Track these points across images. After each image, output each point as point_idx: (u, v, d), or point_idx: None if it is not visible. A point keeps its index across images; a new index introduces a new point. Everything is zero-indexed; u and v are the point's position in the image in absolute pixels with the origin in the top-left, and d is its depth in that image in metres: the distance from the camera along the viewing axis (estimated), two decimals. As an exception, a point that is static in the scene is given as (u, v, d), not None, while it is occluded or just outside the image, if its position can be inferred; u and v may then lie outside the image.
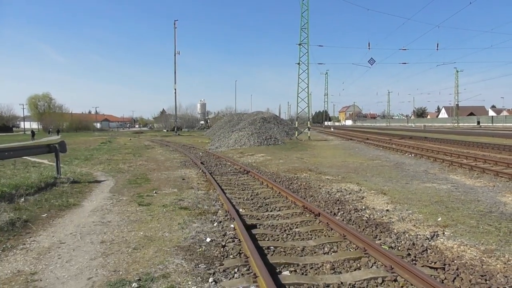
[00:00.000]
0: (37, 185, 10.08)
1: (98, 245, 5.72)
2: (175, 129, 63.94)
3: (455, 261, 4.94)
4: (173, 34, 60.11)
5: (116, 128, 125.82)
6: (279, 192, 9.68)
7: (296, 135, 36.77)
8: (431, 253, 5.31)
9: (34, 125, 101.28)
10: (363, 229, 6.59)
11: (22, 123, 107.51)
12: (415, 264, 4.94)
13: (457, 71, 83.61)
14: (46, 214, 7.60)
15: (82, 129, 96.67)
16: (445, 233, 6.13)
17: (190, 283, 4.35)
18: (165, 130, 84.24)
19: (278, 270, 4.80)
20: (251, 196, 9.55)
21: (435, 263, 4.90)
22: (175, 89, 60.43)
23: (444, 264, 4.84)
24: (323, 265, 4.99)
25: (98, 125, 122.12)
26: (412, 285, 4.24)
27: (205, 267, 4.85)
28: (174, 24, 60.15)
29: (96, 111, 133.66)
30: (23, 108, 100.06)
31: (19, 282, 4.40)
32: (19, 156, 12.94)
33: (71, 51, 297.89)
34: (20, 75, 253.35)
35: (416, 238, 5.98)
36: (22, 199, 8.53)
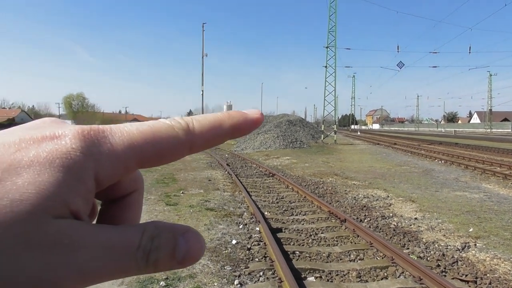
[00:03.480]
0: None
1: (127, 243, 5.87)
2: (202, 130, 64.48)
3: (488, 275, 4.79)
4: (200, 37, 60.92)
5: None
6: (305, 196, 9.64)
7: (322, 138, 36.48)
8: (462, 265, 5.17)
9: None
10: (391, 237, 6.48)
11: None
12: (445, 275, 4.82)
13: (491, 75, 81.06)
14: (77, 211, 7.85)
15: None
16: (477, 244, 5.94)
17: (216, 284, 4.41)
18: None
19: (303, 276, 4.79)
20: (276, 199, 9.55)
21: (466, 275, 4.76)
22: (202, 91, 61.13)
23: (476, 277, 4.70)
24: (349, 272, 4.94)
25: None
26: (441, 297, 4.14)
27: (230, 269, 4.90)
28: (203, 27, 60.76)
29: (126, 110, 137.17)
30: (59, 107, 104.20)
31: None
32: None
33: (103, 53, 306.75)
34: (56, 75, 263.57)
35: (446, 248, 5.83)
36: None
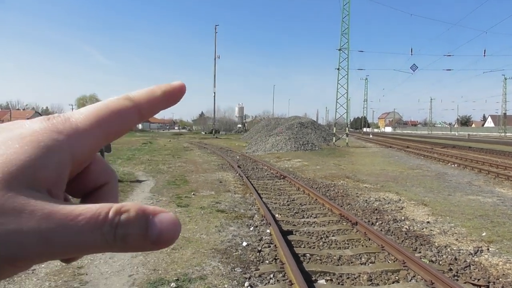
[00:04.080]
0: (83, 183, 10.55)
1: (139, 243, 5.93)
2: (213, 132, 65.01)
3: (501, 279, 4.74)
4: (213, 38, 61.31)
5: (157, 129, 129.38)
6: (316, 199, 9.62)
7: (334, 141, 36.34)
8: (474, 269, 5.12)
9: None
10: (402, 241, 6.44)
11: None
12: (457, 280, 4.77)
13: (505, 79, 79.95)
14: (91, 211, 7.96)
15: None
16: (490, 249, 5.87)
17: (226, 286, 4.44)
18: (203, 133, 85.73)
19: (314, 278, 4.79)
20: (287, 201, 9.56)
21: (478, 280, 4.71)
22: (214, 93, 61.53)
23: (489, 282, 4.65)
24: (360, 275, 4.93)
25: (140, 126, 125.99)
26: (453, 301, 4.11)
27: (241, 271, 4.92)
28: (215, 29, 61.36)
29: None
30: (72, 108, 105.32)
31: (67, 274, 4.67)
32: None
33: (115, 54, 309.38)
34: (71, 77, 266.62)
35: (459, 253, 5.77)
36: (69, 197, 8.97)
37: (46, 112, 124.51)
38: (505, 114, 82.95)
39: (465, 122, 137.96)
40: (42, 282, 4.44)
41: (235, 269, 5.00)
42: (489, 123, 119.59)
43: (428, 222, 7.54)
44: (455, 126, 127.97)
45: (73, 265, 4.97)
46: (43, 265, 4.95)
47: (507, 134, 78.14)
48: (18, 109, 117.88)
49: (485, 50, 37.57)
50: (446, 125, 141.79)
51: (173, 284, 4.38)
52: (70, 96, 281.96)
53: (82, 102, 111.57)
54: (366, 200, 9.73)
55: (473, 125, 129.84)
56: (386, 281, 4.79)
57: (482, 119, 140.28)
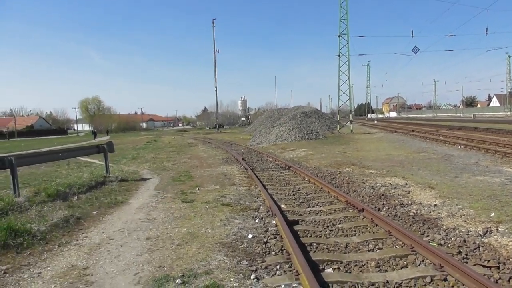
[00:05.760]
0: (88, 184, 10.59)
1: (144, 241, 5.92)
2: (217, 126, 64.99)
3: (511, 260, 4.65)
4: (211, 32, 60.99)
5: (161, 127, 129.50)
6: (321, 187, 9.55)
7: (338, 128, 36.15)
8: (484, 250, 5.02)
9: (86, 127, 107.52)
10: (410, 225, 6.35)
11: (75, 125, 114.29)
12: (467, 262, 4.69)
13: (509, 56, 78.58)
14: (96, 212, 7.97)
15: (129, 129, 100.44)
16: (499, 229, 5.77)
17: (232, 279, 4.39)
18: (207, 128, 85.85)
19: (321, 267, 4.73)
20: (292, 191, 9.50)
21: (488, 261, 4.63)
22: (216, 87, 61.34)
23: (499, 263, 4.56)
24: (367, 262, 4.86)
25: (144, 125, 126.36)
26: (463, 284, 4.03)
27: (247, 264, 4.87)
28: (213, 22, 61.08)
29: (141, 111, 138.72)
30: (75, 112, 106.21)
31: (73, 276, 4.65)
32: (72, 157, 13.64)
33: (115, 55, 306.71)
34: (72, 80, 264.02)
35: (467, 234, 5.68)
36: (75, 197, 9.00)
37: (50, 117, 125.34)
38: (510, 92, 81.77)
39: (470, 102, 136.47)
40: (47, 284, 4.42)
41: (241, 262, 4.95)
42: (495, 102, 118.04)
43: (435, 205, 7.45)
44: (460, 107, 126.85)
45: (78, 266, 4.96)
46: (48, 267, 4.94)
47: (514, 112, 77.29)
48: (22, 115, 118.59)
49: (487, 28, 36.81)
50: (451, 107, 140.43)
51: (178, 280, 4.34)
52: (73, 99, 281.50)
53: (85, 104, 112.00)
54: (372, 186, 9.64)
55: (479, 106, 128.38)
56: (395, 267, 4.72)
57: (487, 99, 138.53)
